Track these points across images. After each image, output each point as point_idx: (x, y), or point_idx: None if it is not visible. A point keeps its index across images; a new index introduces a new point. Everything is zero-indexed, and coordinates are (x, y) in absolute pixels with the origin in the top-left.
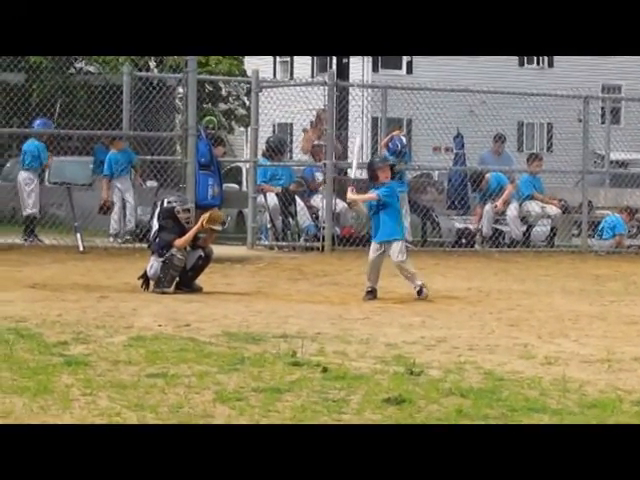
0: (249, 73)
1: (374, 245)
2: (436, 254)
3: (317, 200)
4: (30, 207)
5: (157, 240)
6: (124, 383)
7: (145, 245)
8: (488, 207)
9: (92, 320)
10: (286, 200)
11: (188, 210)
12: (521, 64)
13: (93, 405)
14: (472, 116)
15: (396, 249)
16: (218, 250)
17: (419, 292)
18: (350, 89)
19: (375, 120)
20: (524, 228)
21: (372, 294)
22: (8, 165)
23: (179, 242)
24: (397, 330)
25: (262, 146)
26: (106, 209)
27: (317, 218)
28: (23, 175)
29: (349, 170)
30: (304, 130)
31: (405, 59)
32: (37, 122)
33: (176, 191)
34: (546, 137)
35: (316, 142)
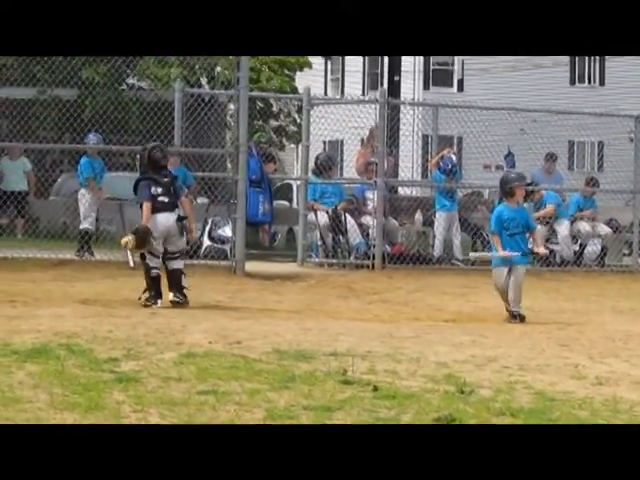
0: (300, 90)
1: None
2: (486, 273)
3: (367, 218)
4: (85, 222)
5: None
6: (175, 400)
7: (195, 262)
8: (540, 227)
9: (143, 336)
10: (336, 218)
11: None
12: (572, 82)
13: (144, 422)
14: (523, 134)
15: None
16: (268, 267)
17: (515, 316)
18: (401, 107)
19: (426, 138)
20: (576, 247)
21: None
22: (60, 180)
23: None
24: (447, 349)
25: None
26: None
27: (367, 235)
28: (80, 190)
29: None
30: (361, 144)
31: (456, 77)
32: (90, 136)
33: (226, 208)
34: (597, 156)
35: (372, 159)
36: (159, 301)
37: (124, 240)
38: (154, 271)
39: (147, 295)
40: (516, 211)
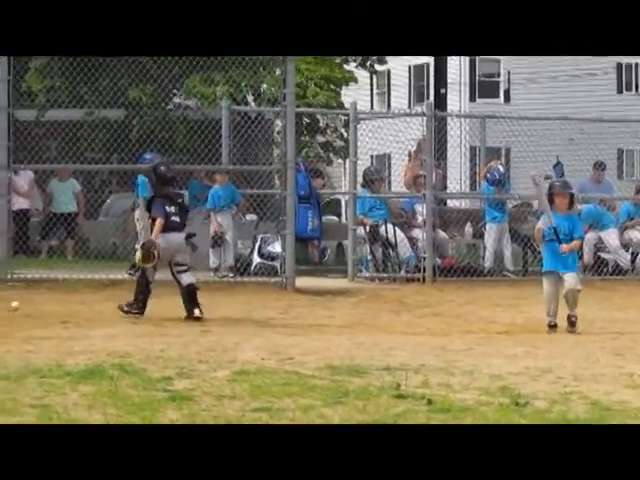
0: (347, 105)
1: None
2: (538, 283)
3: (417, 231)
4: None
5: None
6: (229, 418)
7: (246, 279)
8: (589, 235)
9: (195, 355)
10: (377, 232)
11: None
12: (619, 91)
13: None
14: (571, 144)
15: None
16: (319, 283)
17: (573, 323)
18: (448, 119)
19: (473, 149)
20: (628, 256)
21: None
22: (109, 201)
23: None
24: (501, 361)
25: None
26: (219, 241)
27: (417, 249)
28: (137, 209)
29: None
30: (409, 157)
31: (502, 88)
32: (147, 156)
33: (275, 225)
34: None
35: (420, 172)
36: (144, 313)
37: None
38: (150, 286)
39: (133, 304)
40: (563, 218)
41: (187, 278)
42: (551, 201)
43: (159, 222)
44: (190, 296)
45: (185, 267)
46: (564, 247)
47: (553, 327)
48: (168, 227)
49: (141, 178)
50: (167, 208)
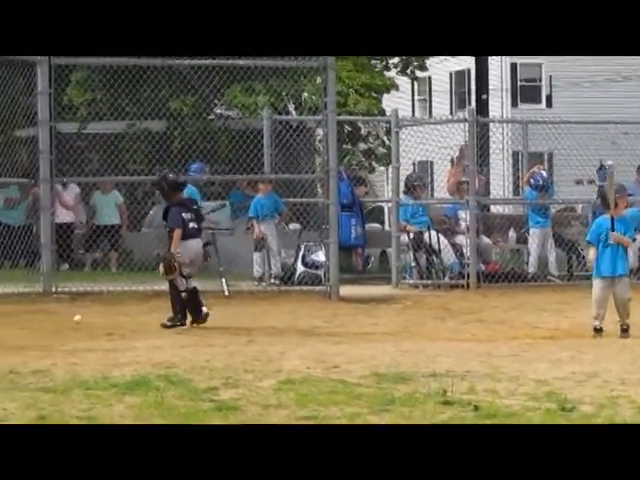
0: (388, 112)
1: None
2: (583, 288)
3: (460, 237)
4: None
5: None
6: None
7: (290, 288)
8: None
9: (240, 364)
10: (429, 238)
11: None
12: None
13: None
14: (614, 147)
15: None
16: (363, 291)
17: (625, 330)
18: (490, 125)
19: (516, 155)
20: None
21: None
22: (151, 212)
23: None
24: (546, 366)
25: (403, 185)
26: (262, 243)
27: (461, 255)
28: None
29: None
30: (452, 163)
31: (544, 93)
32: (193, 166)
33: (319, 234)
34: None
35: (463, 178)
36: (186, 322)
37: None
38: (183, 294)
39: (173, 318)
40: (617, 221)
41: (192, 282)
42: (605, 205)
43: (177, 233)
44: (194, 301)
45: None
46: (614, 235)
47: (599, 331)
48: (186, 234)
49: (190, 188)
50: (184, 215)
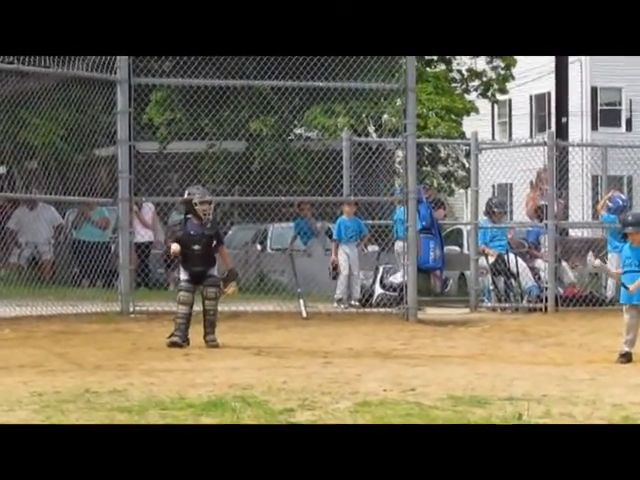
0: (468, 135)
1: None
2: None
3: (539, 261)
4: None
5: None
6: None
7: (368, 310)
8: None
9: (317, 386)
10: (502, 262)
11: (208, 202)
12: None
13: None
14: None
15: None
16: (441, 313)
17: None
18: (570, 148)
19: (595, 179)
20: None
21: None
22: (230, 233)
23: None
24: (623, 390)
25: (482, 207)
26: (335, 274)
27: (539, 279)
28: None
29: None
30: (531, 187)
31: (624, 117)
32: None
33: (397, 255)
34: None
35: (542, 202)
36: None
37: (232, 290)
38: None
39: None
40: (635, 250)
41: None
42: (625, 236)
43: (225, 249)
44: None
45: None
46: (631, 288)
47: (624, 356)
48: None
49: (299, 221)
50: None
